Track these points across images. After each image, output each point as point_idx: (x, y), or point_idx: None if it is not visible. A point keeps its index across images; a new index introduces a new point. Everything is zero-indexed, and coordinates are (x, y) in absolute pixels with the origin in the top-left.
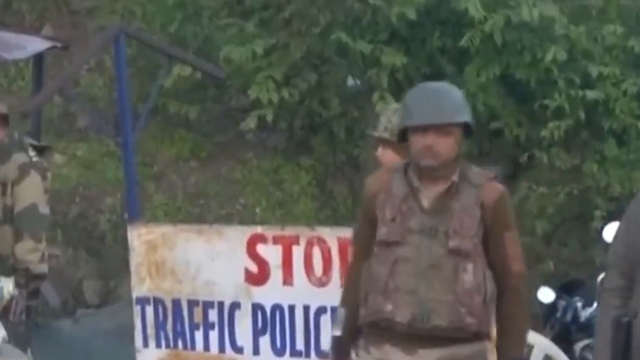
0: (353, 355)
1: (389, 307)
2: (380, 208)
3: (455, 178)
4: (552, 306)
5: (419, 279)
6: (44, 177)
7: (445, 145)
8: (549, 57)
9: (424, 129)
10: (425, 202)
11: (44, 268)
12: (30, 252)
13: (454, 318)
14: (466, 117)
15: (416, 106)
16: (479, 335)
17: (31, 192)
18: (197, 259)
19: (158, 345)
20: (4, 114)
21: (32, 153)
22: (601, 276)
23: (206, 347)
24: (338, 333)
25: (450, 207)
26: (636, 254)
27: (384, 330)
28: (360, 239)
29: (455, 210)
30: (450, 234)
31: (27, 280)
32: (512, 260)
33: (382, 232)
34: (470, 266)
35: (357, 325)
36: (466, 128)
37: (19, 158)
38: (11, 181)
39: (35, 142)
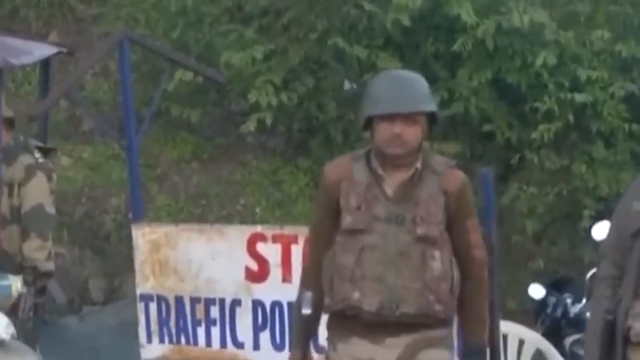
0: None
1: (357, 295)
2: (344, 196)
3: (418, 165)
4: (543, 302)
5: (386, 266)
6: (49, 178)
7: (413, 134)
8: (539, 61)
9: (392, 117)
10: (389, 190)
11: (50, 266)
12: (37, 251)
13: (422, 305)
14: (432, 106)
15: (383, 95)
16: (444, 322)
17: (37, 193)
18: (198, 258)
19: (161, 341)
20: (10, 117)
21: (37, 155)
22: (590, 273)
23: (208, 342)
24: (308, 311)
25: (414, 194)
26: (626, 241)
27: (351, 320)
28: (319, 228)
29: (420, 197)
30: (418, 221)
31: (35, 278)
32: (475, 248)
33: (347, 220)
34: (437, 253)
35: (320, 314)
36: (431, 117)
37: (25, 160)
38: (18, 182)
39: (40, 144)
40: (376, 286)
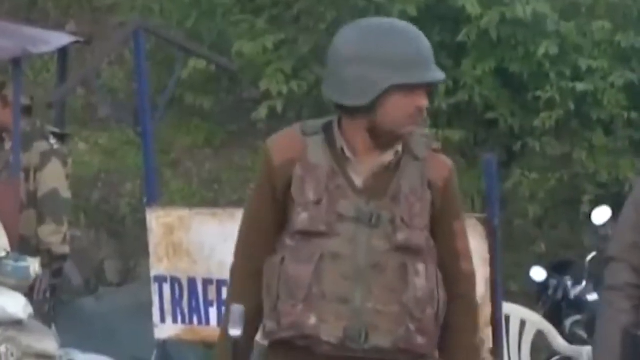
0: None
1: (312, 320)
2: (297, 185)
3: (399, 148)
4: (544, 285)
5: (354, 283)
6: (64, 164)
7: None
8: (541, 51)
9: (414, 87)
10: (358, 180)
11: (65, 249)
12: (53, 234)
13: (399, 337)
14: None
15: (405, 56)
16: (426, 358)
17: (53, 178)
18: (211, 241)
19: (174, 321)
20: (27, 105)
21: (53, 141)
22: (590, 256)
23: (220, 322)
24: (238, 332)
25: (391, 186)
26: None
27: (302, 353)
28: (258, 224)
29: (400, 191)
30: (398, 224)
31: (50, 260)
32: (463, 259)
33: (302, 218)
34: (422, 267)
35: (253, 338)
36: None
37: (40, 146)
38: (34, 168)
39: (56, 130)
40: (339, 309)
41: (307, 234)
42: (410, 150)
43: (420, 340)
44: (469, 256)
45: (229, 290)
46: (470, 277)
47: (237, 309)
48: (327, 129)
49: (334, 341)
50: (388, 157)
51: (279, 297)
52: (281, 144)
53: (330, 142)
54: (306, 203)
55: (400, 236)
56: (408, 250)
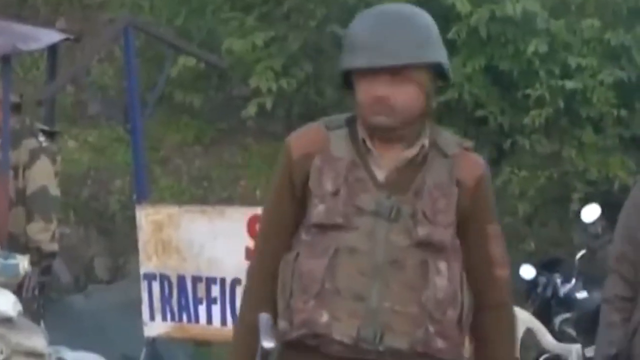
0: None
1: (325, 317)
2: (315, 176)
3: (425, 142)
4: (533, 282)
5: (370, 279)
6: (53, 161)
7: (405, 97)
8: (530, 49)
9: (374, 74)
10: (381, 174)
11: (54, 247)
12: (41, 232)
13: (417, 339)
14: (438, 54)
15: (363, 39)
16: None
17: (41, 175)
18: (200, 238)
19: (164, 319)
20: (16, 102)
21: (42, 138)
22: (579, 254)
23: (209, 320)
24: (272, 345)
25: (415, 181)
26: (638, 249)
27: (311, 355)
28: (277, 220)
29: (424, 186)
30: (419, 218)
31: (39, 258)
32: (498, 265)
33: (318, 210)
34: (444, 266)
35: (261, 345)
36: (438, 70)
37: (29, 143)
38: (22, 165)
39: (45, 128)
40: (353, 306)
41: (323, 227)
42: (437, 146)
43: (440, 344)
44: (504, 263)
45: (246, 293)
46: (506, 285)
47: (265, 318)
48: (350, 123)
49: (346, 341)
50: (412, 151)
51: (292, 293)
52: (301, 138)
53: (353, 135)
54: (323, 194)
55: (422, 231)
56: (429, 246)
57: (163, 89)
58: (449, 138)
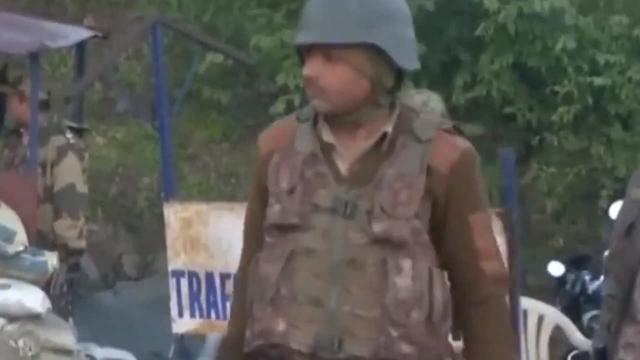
0: None
1: (282, 326)
2: (272, 175)
3: (387, 129)
4: (562, 279)
5: (328, 282)
6: (81, 158)
7: (335, 79)
8: (559, 45)
9: (309, 52)
10: (343, 166)
11: (81, 244)
12: (68, 229)
13: (380, 344)
14: (380, 36)
15: (306, 15)
16: None
17: (69, 173)
18: (228, 235)
19: (192, 315)
20: (44, 99)
21: (69, 135)
22: (607, 252)
23: None
24: None
25: (378, 173)
26: (620, 244)
27: None
28: (253, 223)
29: (384, 177)
30: (377, 213)
31: (67, 255)
32: (483, 257)
33: (274, 210)
34: (406, 263)
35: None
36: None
37: (56, 140)
38: (50, 162)
39: (73, 125)
40: (311, 312)
41: (282, 228)
42: (411, 130)
43: (405, 349)
44: (491, 255)
45: (232, 297)
46: (495, 279)
47: (214, 340)
48: (316, 114)
49: (304, 350)
50: (371, 140)
51: (252, 301)
52: (268, 135)
53: (316, 127)
54: (279, 193)
55: (377, 227)
56: (388, 243)
57: (191, 85)
58: (428, 121)
